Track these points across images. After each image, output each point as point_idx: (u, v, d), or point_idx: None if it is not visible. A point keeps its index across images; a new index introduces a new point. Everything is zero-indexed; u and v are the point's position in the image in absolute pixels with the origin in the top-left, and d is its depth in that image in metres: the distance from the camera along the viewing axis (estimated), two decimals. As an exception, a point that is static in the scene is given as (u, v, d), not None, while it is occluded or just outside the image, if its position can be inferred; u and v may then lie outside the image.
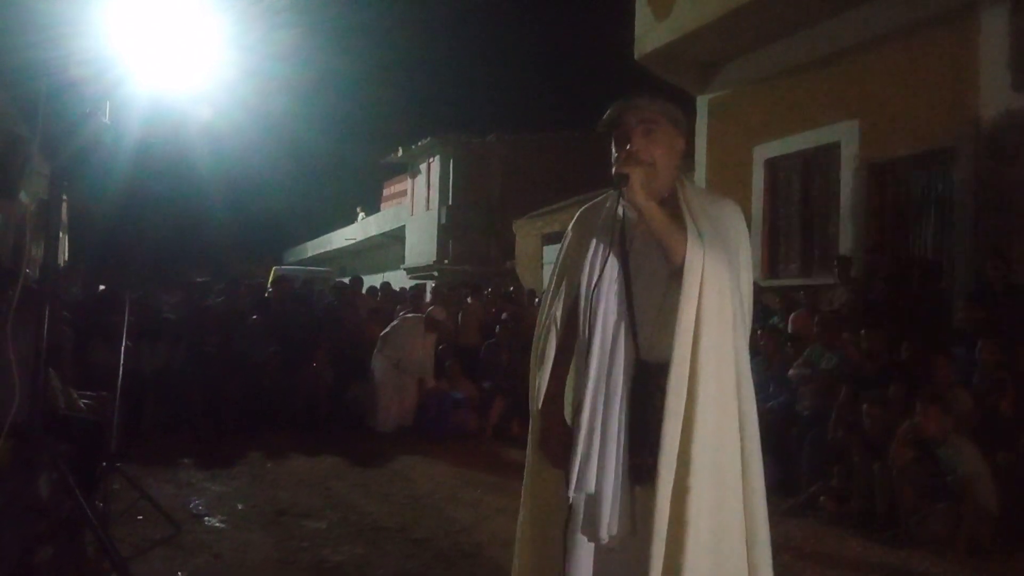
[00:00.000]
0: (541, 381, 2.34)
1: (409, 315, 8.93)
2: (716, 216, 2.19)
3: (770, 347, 6.92)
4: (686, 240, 2.10)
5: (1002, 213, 7.20)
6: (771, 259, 9.74)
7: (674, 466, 2.03)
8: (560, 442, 2.27)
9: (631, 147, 2.20)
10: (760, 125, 9.89)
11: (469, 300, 10.93)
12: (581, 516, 2.18)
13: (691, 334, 2.08)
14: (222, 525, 4.85)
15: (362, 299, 10.88)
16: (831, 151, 8.91)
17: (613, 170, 2.17)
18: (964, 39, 7.51)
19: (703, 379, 2.07)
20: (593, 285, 2.22)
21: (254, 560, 4.19)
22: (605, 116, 2.33)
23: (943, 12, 7.67)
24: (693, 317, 2.08)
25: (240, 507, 5.28)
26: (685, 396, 2.06)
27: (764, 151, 9.91)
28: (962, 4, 7.48)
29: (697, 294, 2.08)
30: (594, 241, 2.28)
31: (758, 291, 9.00)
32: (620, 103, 2.29)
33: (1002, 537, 4.71)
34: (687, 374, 2.07)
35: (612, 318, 2.20)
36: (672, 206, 2.19)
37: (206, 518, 4.97)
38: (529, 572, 2.40)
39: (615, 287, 2.22)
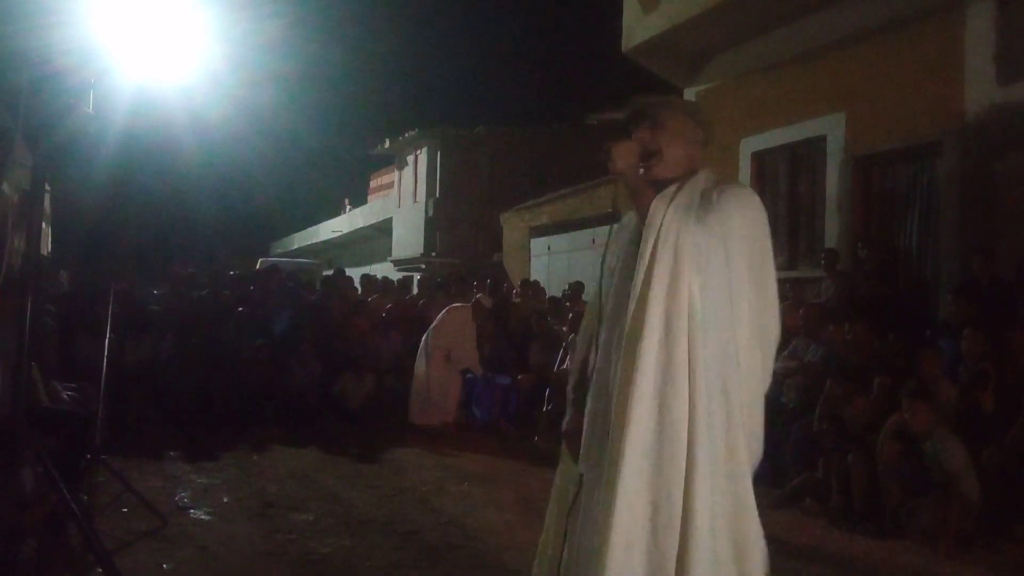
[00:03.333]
0: (572, 374, 2.63)
1: (456, 305, 8.83)
2: (719, 199, 2.24)
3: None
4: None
5: (987, 207, 7.24)
6: (758, 252, 9.77)
7: (614, 434, 2.18)
8: (577, 426, 2.46)
9: (634, 138, 2.37)
10: (747, 118, 9.91)
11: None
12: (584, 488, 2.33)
13: (637, 296, 2.22)
14: (208, 517, 4.83)
15: (350, 291, 10.85)
16: (817, 144, 8.94)
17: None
18: (950, 33, 7.54)
19: (645, 351, 2.18)
20: (602, 276, 2.46)
21: (240, 552, 4.18)
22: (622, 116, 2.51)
23: (929, 6, 7.69)
24: (642, 279, 2.22)
25: (226, 500, 5.26)
26: (624, 368, 2.20)
27: (751, 144, 9.93)
28: (948, -2, 7.52)
29: (650, 253, 2.22)
30: (614, 240, 2.51)
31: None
32: (629, 102, 2.46)
33: (986, 528, 4.75)
34: (631, 344, 2.21)
35: (621, 305, 2.32)
36: (679, 188, 2.30)
37: (192, 511, 4.95)
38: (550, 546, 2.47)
39: (627, 277, 2.33)
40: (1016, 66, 7.08)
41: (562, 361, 8.81)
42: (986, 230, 7.12)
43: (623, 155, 2.31)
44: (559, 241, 17.10)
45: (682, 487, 2.13)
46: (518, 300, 10.65)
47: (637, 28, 10.32)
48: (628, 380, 2.18)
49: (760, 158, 9.85)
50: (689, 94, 11.05)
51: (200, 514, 4.90)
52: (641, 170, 2.32)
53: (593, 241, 15.55)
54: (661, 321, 2.19)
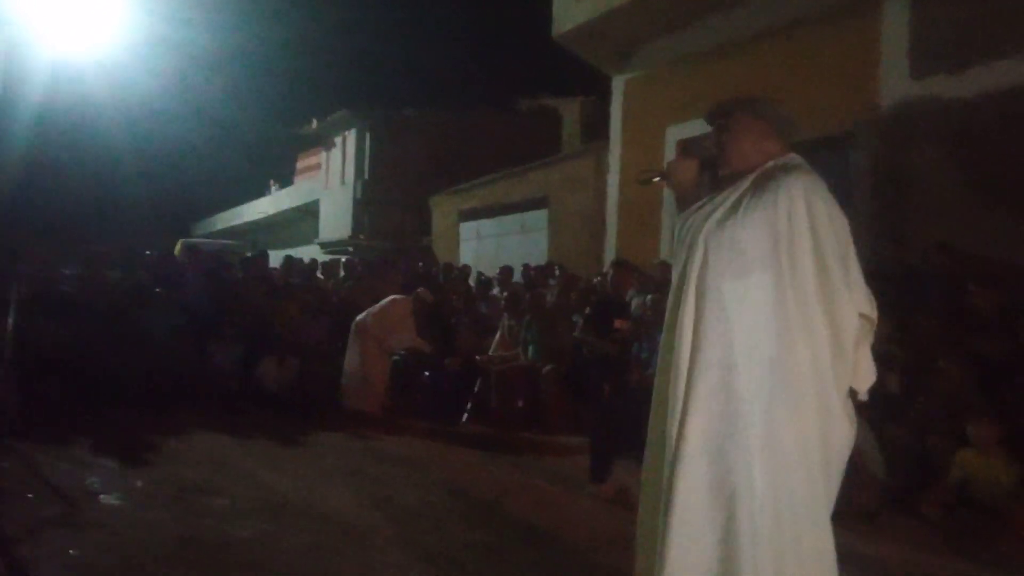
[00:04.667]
0: None
1: (397, 297, 8.71)
2: (750, 201, 2.40)
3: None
4: None
5: (898, 196, 7.53)
6: (681, 238, 9.96)
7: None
8: None
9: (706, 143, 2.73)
10: (673, 106, 10.07)
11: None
12: None
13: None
14: (120, 503, 4.68)
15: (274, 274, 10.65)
16: (740, 133, 9.12)
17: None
18: (867, 27, 7.80)
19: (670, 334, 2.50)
20: None
21: (153, 538, 4.06)
22: None
23: (848, 1, 7.93)
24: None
25: (140, 485, 5.10)
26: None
27: (677, 132, 10.09)
28: (866, -6, 7.78)
29: (680, 260, 2.51)
30: None
31: (663, 268, 9.21)
32: (710, 107, 2.74)
33: (890, 504, 4.97)
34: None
35: None
36: (718, 194, 2.54)
37: (102, 496, 4.78)
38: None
39: None
40: (929, 60, 7.38)
41: (494, 345, 8.85)
42: (896, 218, 7.41)
43: (678, 172, 2.69)
44: (488, 225, 17.10)
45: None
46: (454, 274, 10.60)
47: (567, 14, 10.38)
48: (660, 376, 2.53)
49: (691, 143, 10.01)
50: (618, 82, 11.18)
51: (112, 500, 4.74)
52: (720, 172, 2.59)
53: (522, 226, 15.60)
54: (669, 327, 2.47)
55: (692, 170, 2.67)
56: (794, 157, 2.52)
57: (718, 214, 2.41)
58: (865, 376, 2.45)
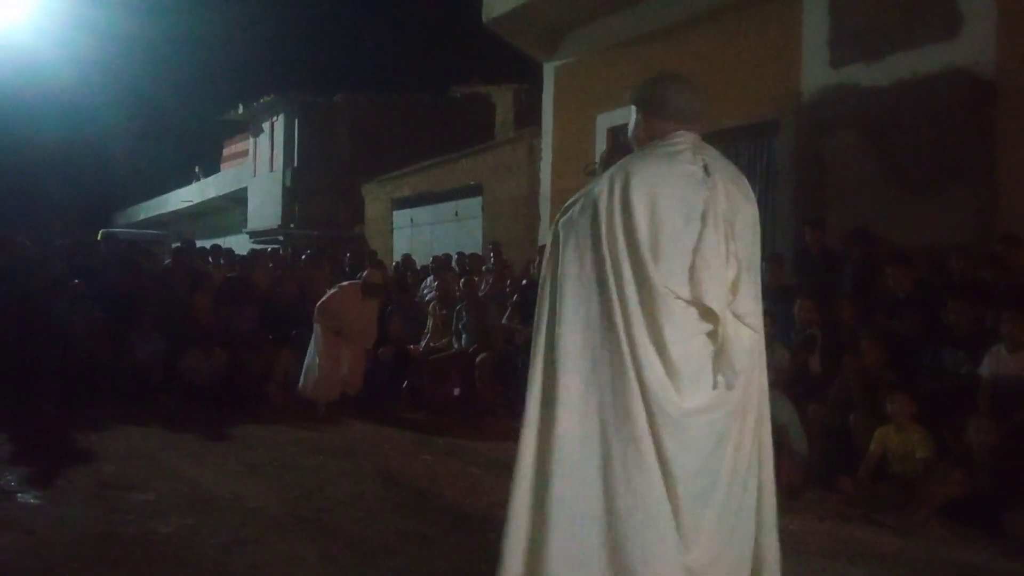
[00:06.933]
0: None
1: (345, 283, 8.45)
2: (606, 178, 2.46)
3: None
4: None
5: (819, 182, 7.74)
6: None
7: None
8: None
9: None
10: (604, 93, 10.12)
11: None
12: None
13: None
14: (37, 501, 4.52)
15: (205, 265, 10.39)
16: (668, 120, 9.24)
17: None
18: (789, 17, 7.97)
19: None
20: None
21: (72, 535, 3.93)
22: None
23: (772, -9, 8.10)
24: None
25: (58, 482, 4.93)
26: None
27: (607, 119, 10.16)
28: (788, -17, 7.94)
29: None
30: None
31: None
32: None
33: (812, 480, 5.12)
34: None
35: None
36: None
37: (19, 494, 4.62)
38: None
39: None
40: (847, 50, 7.58)
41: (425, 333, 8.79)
42: (817, 203, 7.61)
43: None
44: (422, 213, 16.99)
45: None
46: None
47: (497, -1, 10.34)
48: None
49: (616, 134, 10.09)
50: (548, 69, 11.20)
51: (28, 498, 4.58)
52: None
53: (456, 213, 15.54)
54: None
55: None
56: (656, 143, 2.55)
57: (577, 201, 2.49)
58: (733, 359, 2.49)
